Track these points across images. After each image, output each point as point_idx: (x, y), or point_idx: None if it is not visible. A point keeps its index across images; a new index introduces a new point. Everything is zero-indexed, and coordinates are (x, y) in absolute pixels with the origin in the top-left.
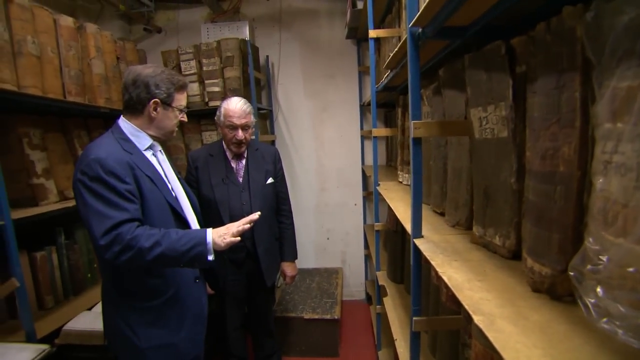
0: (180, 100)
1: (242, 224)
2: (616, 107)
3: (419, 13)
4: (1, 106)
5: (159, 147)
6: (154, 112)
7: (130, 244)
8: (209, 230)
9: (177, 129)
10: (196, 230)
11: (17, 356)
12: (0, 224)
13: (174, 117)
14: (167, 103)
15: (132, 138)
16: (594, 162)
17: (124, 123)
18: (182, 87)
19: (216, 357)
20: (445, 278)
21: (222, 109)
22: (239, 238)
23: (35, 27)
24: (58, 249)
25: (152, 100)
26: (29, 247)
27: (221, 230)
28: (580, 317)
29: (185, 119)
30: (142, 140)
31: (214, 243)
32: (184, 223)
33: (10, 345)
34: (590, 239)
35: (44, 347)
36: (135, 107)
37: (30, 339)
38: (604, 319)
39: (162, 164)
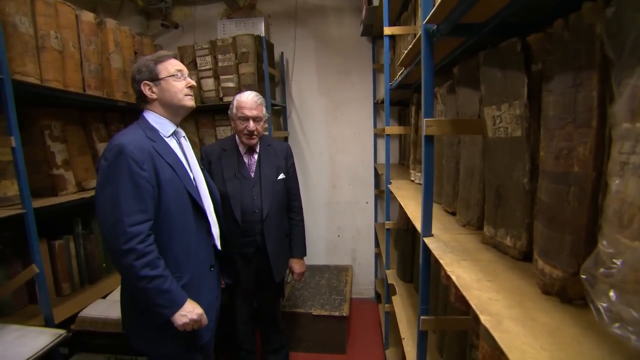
0: (167, 68)
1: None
2: (635, 106)
3: (433, 9)
4: (25, 99)
5: (183, 134)
6: (152, 93)
7: (144, 251)
8: (187, 303)
9: (190, 95)
10: (180, 296)
11: (36, 339)
12: (22, 212)
13: (173, 87)
14: (153, 79)
15: (155, 126)
16: (610, 163)
17: (147, 113)
18: (160, 58)
19: (225, 350)
20: (453, 277)
21: (235, 101)
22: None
23: (58, 23)
24: (75, 238)
25: (141, 85)
26: (48, 236)
27: (195, 309)
28: (591, 321)
29: (191, 82)
30: (165, 127)
31: (176, 316)
32: (202, 213)
33: (30, 328)
34: (604, 242)
35: (61, 332)
36: (140, 99)
37: (48, 323)
38: (616, 324)
39: (185, 150)
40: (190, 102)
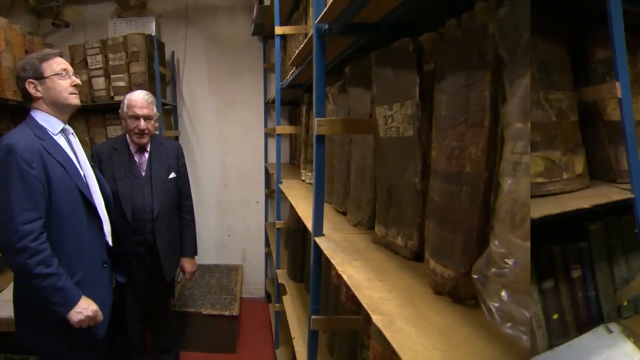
0: (52, 66)
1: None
2: (528, 106)
3: (325, 9)
4: None
5: (72, 131)
6: (37, 92)
7: (37, 249)
8: (82, 300)
9: (75, 94)
10: (74, 293)
11: None
12: None
13: (58, 85)
14: (38, 77)
15: (43, 124)
16: (503, 163)
17: (35, 112)
18: (45, 57)
19: (115, 349)
20: (345, 277)
21: (126, 100)
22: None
23: None
24: None
25: (26, 83)
26: None
27: (90, 306)
28: (482, 321)
29: (76, 80)
30: (53, 125)
31: (72, 313)
32: (93, 210)
33: None
34: (496, 242)
35: None
36: (26, 97)
37: None
38: (508, 324)
39: (74, 147)
40: (75, 100)
